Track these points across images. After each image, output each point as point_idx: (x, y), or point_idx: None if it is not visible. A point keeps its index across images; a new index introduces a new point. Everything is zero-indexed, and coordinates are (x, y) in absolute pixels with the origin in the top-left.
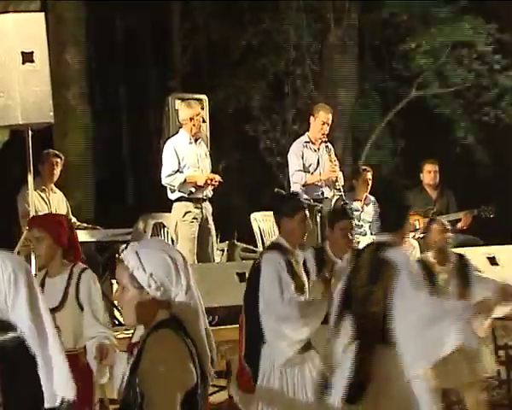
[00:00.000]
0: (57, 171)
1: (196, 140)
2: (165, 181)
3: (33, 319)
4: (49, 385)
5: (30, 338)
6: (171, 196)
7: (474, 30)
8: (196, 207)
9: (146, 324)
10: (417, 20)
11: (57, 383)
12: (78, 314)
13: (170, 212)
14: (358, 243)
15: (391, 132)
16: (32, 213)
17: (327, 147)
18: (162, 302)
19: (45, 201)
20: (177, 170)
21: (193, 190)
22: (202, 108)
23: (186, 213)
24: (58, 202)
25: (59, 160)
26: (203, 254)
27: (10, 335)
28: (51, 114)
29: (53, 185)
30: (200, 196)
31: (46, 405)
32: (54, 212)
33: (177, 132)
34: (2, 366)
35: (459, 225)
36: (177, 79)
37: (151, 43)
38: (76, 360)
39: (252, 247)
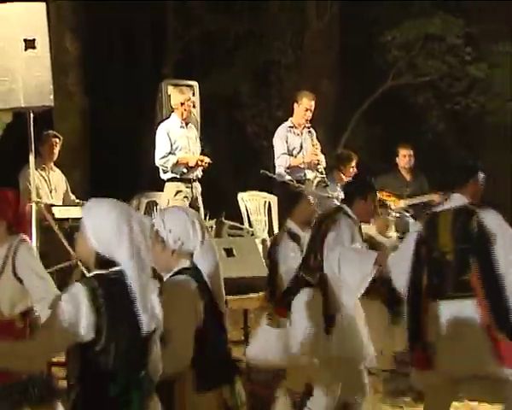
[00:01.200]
0: (56, 151)
1: (187, 124)
2: (158, 162)
3: (132, 255)
4: (145, 312)
5: (130, 271)
6: (164, 177)
7: (444, 24)
8: (187, 187)
9: (168, 271)
10: (392, 15)
11: (150, 310)
12: (16, 286)
13: (162, 191)
14: None
15: (368, 119)
16: (33, 191)
17: (309, 132)
18: (182, 253)
19: (45, 179)
20: (170, 152)
21: (184, 170)
22: (193, 94)
23: (177, 192)
24: (57, 180)
25: (58, 140)
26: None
27: (115, 269)
28: (51, 97)
29: (52, 164)
30: (191, 176)
31: (144, 329)
32: (53, 189)
33: (169, 117)
34: (108, 292)
35: (432, 205)
36: (169, 66)
37: (146, 32)
38: (11, 325)
39: (238, 224)
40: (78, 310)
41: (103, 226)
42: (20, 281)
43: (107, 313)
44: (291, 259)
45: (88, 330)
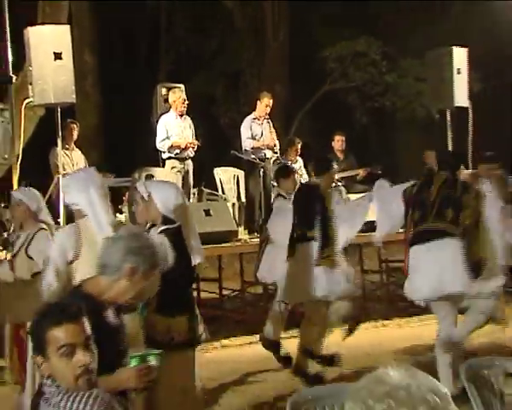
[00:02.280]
0: (75, 133)
1: (181, 116)
2: (158, 145)
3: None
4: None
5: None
6: (163, 156)
7: (368, 44)
8: (180, 164)
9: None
10: (330, 36)
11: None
12: (29, 261)
13: (157, 167)
14: None
15: (311, 114)
16: (60, 166)
17: (268, 122)
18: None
19: (68, 157)
20: (166, 137)
21: (178, 151)
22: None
23: (172, 167)
24: (78, 158)
25: (75, 126)
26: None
27: (175, 225)
28: (73, 96)
29: (74, 146)
30: (184, 156)
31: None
32: (75, 164)
33: (168, 111)
34: (174, 239)
35: (358, 178)
36: (162, 73)
37: (145, 48)
38: None
39: (214, 192)
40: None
41: (169, 198)
42: (31, 258)
43: (177, 250)
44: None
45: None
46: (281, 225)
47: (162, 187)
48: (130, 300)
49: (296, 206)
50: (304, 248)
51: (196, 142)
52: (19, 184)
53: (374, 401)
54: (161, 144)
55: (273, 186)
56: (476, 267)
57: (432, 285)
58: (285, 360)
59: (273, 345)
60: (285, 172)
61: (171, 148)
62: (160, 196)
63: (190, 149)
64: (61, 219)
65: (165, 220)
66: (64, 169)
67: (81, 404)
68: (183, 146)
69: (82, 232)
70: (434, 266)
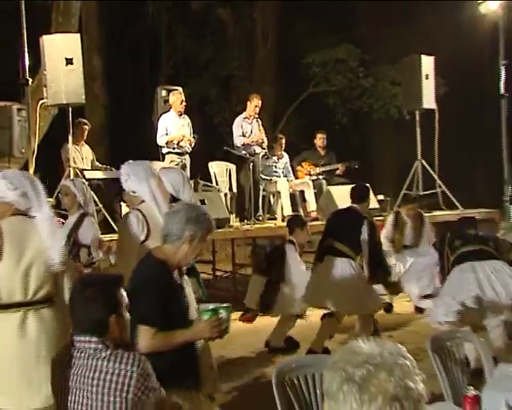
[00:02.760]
0: (85, 133)
1: (180, 115)
2: (158, 140)
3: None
4: None
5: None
6: (163, 151)
7: (347, 52)
8: (178, 158)
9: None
10: (313, 44)
11: None
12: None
13: (158, 161)
14: (276, 183)
15: (296, 114)
16: (71, 160)
17: (257, 121)
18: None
19: (78, 151)
20: (165, 134)
21: (175, 145)
22: None
23: (171, 161)
24: (87, 153)
25: (86, 126)
26: None
27: (182, 203)
28: (83, 97)
29: (83, 142)
30: (181, 151)
31: None
32: (84, 158)
33: (168, 111)
34: None
35: (337, 172)
36: (163, 77)
37: (147, 54)
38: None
39: (209, 183)
40: None
41: (176, 181)
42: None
43: None
44: None
45: None
46: (297, 271)
47: (169, 171)
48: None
49: (336, 223)
50: (332, 260)
51: (187, 136)
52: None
53: (353, 367)
54: (161, 139)
55: (261, 178)
56: None
57: None
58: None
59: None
60: (301, 223)
61: (168, 143)
62: (167, 179)
63: (187, 145)
64: None
65: (173, 199)
66: (74, 162)
67: (129, 360)
68: (176, 141)
69: (146, 216)
70: None
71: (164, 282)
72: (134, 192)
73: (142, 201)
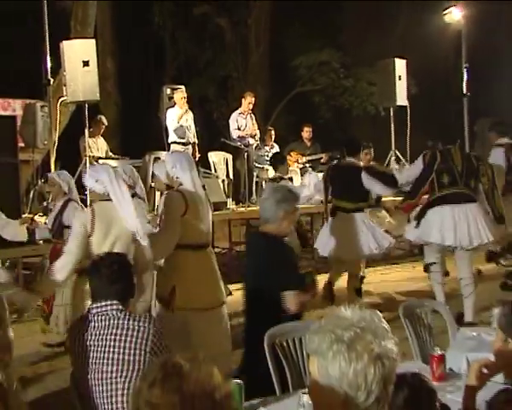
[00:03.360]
0: (102, 128)
1: (186, 111)
2: (171, 130)
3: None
4: None
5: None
6: (169, 140)
7: (330, 55)
8: (182, 148)
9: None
10: (300, 48)
11: None
12: None
13: (164, 151)
14: (267, 170)
15: (285, 110)
16: (88, 151)
17: (251, 116)
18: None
19: (94, 142)
20: (176, 122)
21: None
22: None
23: (175, 150)
24: (101, 144)
25: (103, 124)
26: None
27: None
28: (98, 95)
29: (99, 134)
30: (185, 141)
31: None
32: (99, 148)
33: (173, 106)
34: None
35: (322, 160)
36: (168, 77)
37: (153, 57)
38: None
39: (208, 171)
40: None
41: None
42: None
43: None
44: None
45: None
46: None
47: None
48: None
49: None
50: (345, 215)
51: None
52: (55, 165)
53: (342, 330)
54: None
55: (254, 166)
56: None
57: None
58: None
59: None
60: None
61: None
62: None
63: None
64: (88, 193)
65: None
66: (91, 152)
67: (146, 319)
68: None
69: (186, 196)
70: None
71: (286, 250)
72: (178, 178)
73: (180, 184)
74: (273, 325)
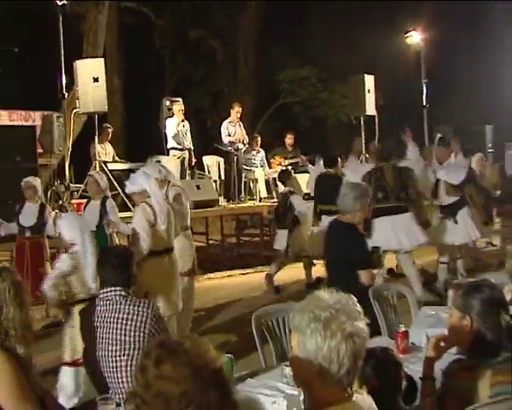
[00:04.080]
0: (109, 134)
1: (182, 120)
2: (170, 137)
3: None
4: None
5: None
6: (168, 146)
7: (309, 70)
8: (179, 153)
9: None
10: (284, 64)
11: None
12: None
13: (164, 155)
14: (254, 172)
15: (270, 119)
16: (97, 155)
17: (240, 124)
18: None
19: (103, 149)
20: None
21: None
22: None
23: (174, 155)
24: (109, 150)
25: (110, 129)
26: (182, 176)
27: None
28: (106, 107)
29: (107, 141)
30: (182, 147)
31: None
32: (107, 153)
33: (171, 116)
34: None
35: (299, 163)
36: (167, 91)
37: (154, 73)
38: None
39: (202, 172)
40: None
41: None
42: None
43: None
44: None
45: None
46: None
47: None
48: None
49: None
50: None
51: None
52: (69, 168)
53: (319, 310)
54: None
55: (243, 168)
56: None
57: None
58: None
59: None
60: (288, 174)
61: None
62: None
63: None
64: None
65: None
66: (99, 157)
67: (145, 304)
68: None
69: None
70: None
71: (359, 235)
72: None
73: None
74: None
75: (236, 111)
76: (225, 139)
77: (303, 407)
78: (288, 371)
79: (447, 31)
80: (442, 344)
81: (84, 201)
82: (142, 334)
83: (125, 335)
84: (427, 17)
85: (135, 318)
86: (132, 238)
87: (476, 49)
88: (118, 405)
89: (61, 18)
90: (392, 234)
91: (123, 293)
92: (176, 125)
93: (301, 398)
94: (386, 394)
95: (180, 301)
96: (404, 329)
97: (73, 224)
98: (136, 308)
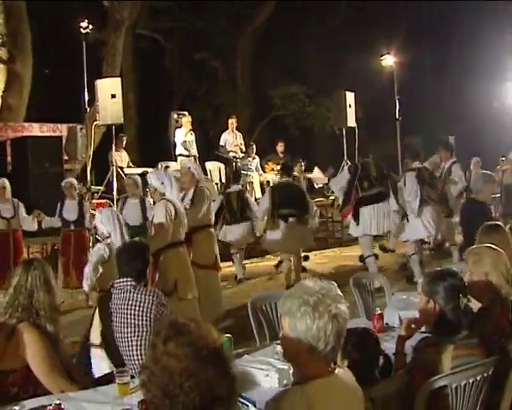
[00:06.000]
0: (124, 142)
1: (190, 131)
2: (178, 145)
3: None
4: None
5: None
6: (176, 153)
7: (298, 88)
8: (186, 158)
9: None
10: (276, 82)
11: None
12: None
13: (173, 161)
14: (250, 176)
15: (265, 129)
16: (114, 162)
17: (235, 134)
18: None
19: (119, 156)
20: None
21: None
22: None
23: (181, 161)
24: (125, 157)
25: (124, 138)
26: None
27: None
28: (122, 119)
29: (123, 149)
30: (188, 153)
31: None
32: (123, 160)
33: (180, 127)
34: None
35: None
36: (175, 105)
37: (163, 89)
38: None
39: (206, 177)
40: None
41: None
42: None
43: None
44: None
45: None
46: None
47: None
48: None
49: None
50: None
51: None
52: (90, 173)
53: (308, 295)
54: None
55: (241, 173)
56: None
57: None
58: None
59: None
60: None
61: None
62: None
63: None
64: (114, 194)
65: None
66: (116, 163)
67: (151, 292)
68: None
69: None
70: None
71: (488, 209)
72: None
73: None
74: None
75: (231, 122)
76: (222, 149)
77: (292, 380)
78: (279, 348)
79: (416, 54)
80: (413, 326)
81: (103, 201)
82: (148, 318)
83: (135, 319)
84: (399, 43)
85: (142, 304)
86: (154, 230)
87: (441, 70)
88: (132, 377)
89: (84, 43)
90: (381, 220)
91: (133, 283)
92: (184, 135)
93: (291, 371)
94: (364, 367)
95: (195, 286)
96: (379, 311)
97: (110, 218)
98: (143, 297)
